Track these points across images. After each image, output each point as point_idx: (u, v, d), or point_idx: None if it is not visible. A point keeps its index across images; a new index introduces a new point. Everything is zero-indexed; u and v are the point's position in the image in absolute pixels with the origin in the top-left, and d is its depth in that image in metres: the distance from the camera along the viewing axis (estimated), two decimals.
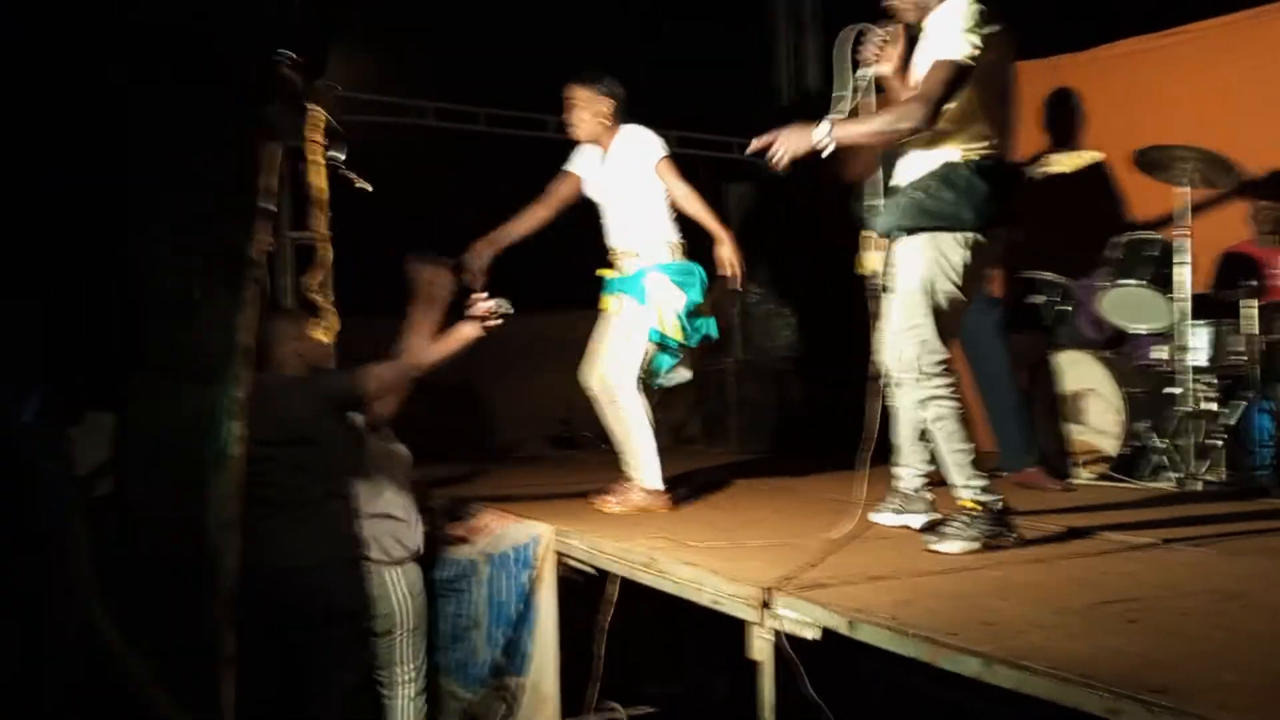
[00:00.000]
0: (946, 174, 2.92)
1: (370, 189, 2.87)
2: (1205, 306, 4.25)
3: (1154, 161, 4.26)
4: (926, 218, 2.92)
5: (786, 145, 2.83)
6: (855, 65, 3.03)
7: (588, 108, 3.93)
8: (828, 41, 6.92)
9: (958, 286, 2.94)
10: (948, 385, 2.95)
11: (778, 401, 6.30)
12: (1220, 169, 4.18)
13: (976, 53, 2.81)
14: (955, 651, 2.06)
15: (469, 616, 3.93)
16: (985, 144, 2.94)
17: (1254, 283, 4.21)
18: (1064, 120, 5.01)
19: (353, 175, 2.78)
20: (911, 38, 3.07)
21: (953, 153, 2.93)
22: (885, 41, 3.02)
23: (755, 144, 2.87)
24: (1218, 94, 4.76)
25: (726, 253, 3.84)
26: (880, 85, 3.08)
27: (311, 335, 3.31)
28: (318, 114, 2.50)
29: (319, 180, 2.65)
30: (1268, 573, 2.68)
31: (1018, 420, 4.27)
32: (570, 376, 6.42)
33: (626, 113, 4.02)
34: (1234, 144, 4.27)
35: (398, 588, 3.72)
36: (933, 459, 3.16)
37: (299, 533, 3.32)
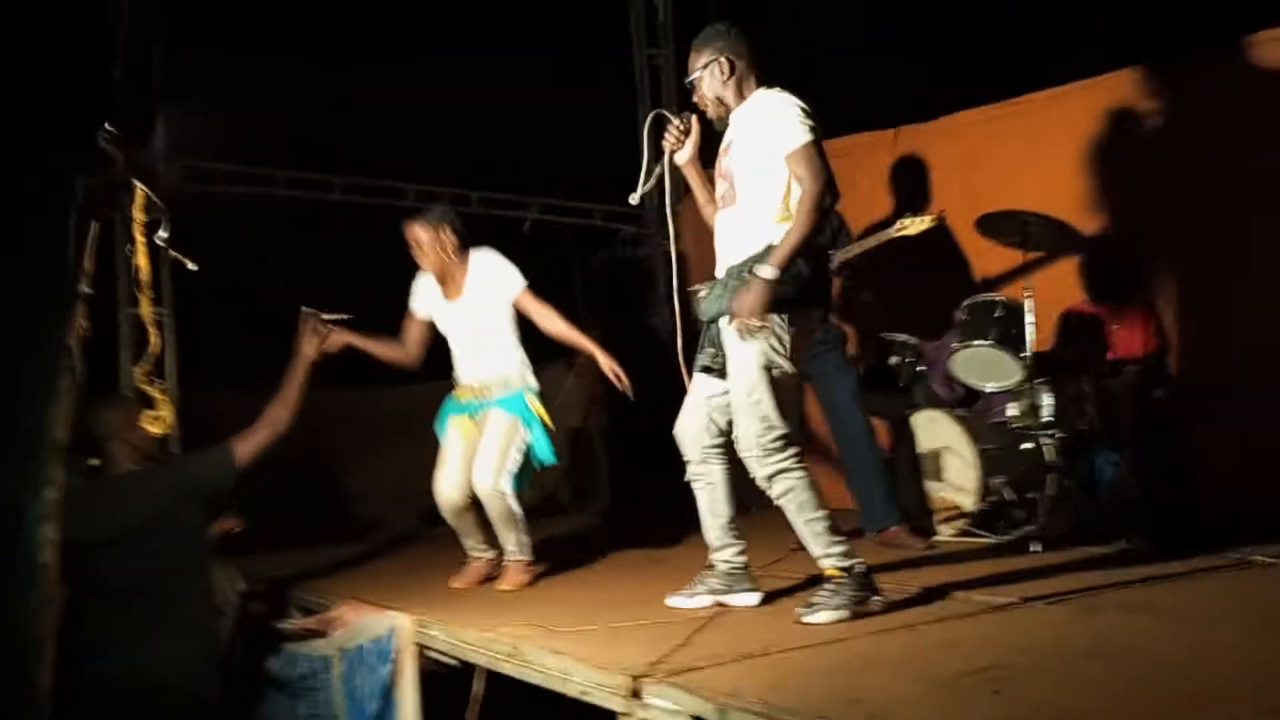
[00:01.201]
0: (768, 257, 2.95)
1: (196, 268, 2.69)
2: (1049, 363, 4.41)
3: (995, 225, 4.43)
4: None
5: (751, 312, 2.87)
6: (657, 151, 3.17)
7: (433, 244, 3.93)
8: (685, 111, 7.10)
9: (790, 361, 3.01)
10: (792, 458, 2.98)
11: (649, 466, 6.24)
12: (1055, 231, 4.38)
13: (816, 131, 2.95)
14: None
15: (323, 717, 3.69)
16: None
17: (1090, 339, 4.40)
18: (907, 187, 5.20)
19: (178, 254, 2.61)
20: (715, 130, 3.21)
21: (773, 236, 2.99)
22: (682, 130, 3.15)
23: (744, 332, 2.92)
24: (1049, 161, 5.02)
25: (607, 363, 3.89)
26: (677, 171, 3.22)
27: (141, 425, 3.10)
28: (138, 190, 2.33)
29: (142, 260, 2.46)
30: (1123, 630, 2.73)
31: (879, 481, 4.36)
32: (435, 448, 6.24)
33: (470, 238, 4.06)
34: (1065, 208, 4.50)
35: None
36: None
37: (155, 638, 3.12)
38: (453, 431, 4.06)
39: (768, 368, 2.96)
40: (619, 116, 7.02)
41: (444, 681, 3.34)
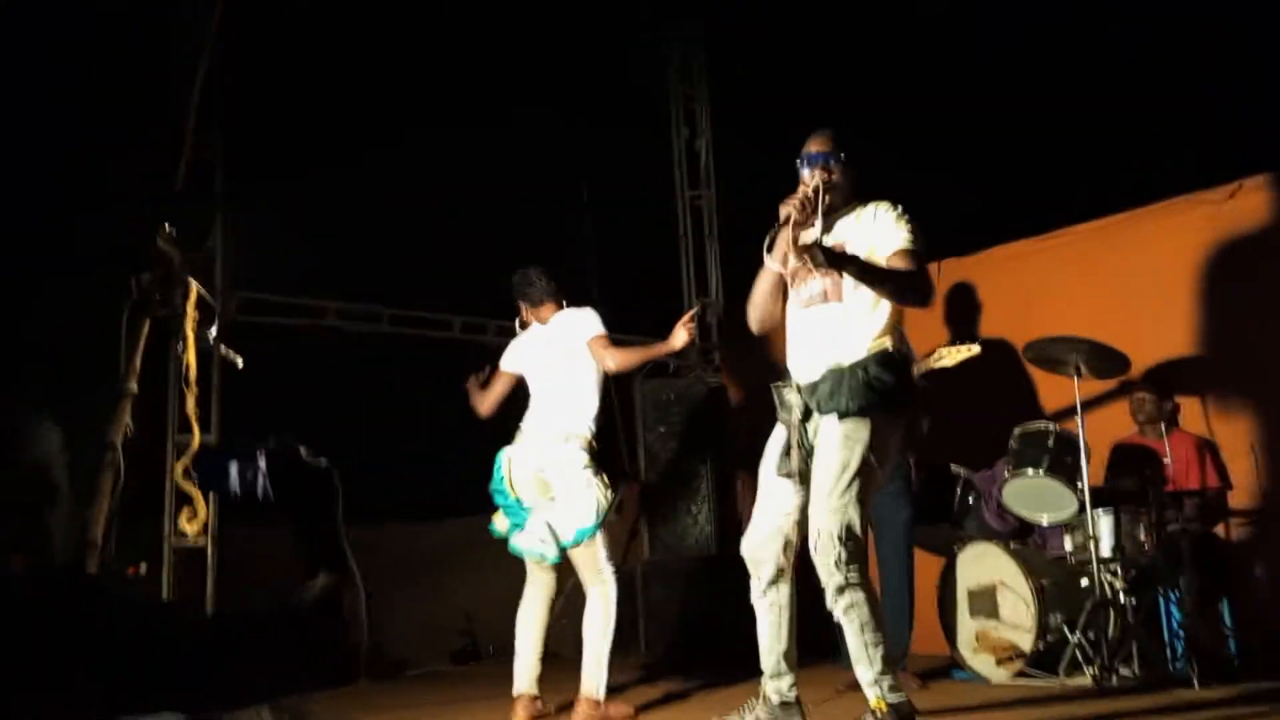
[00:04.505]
0: (886, 358, 2.93)
1: (241, 364, 2.70)
2: (1104, 496, 4.27)
3: (1044, 354, 4.38)
4: (875, 397, 2.88)
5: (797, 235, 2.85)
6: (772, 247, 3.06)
7: None
8: (724, 249, 7.24)
9: (884, 468, 2.92)
10: (863, 570, 2.85)
11: (688, 604, 6.05)
12: (1108, 360, 4.31)
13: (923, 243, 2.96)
14: None
15: None
16: (900, 334, 3.04)
17: (1146, 473, 4.27)
18: (952, 319, 5.20)
19: (225, 350, 2.62)
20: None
21: (886, 339, 2.97)
22: (811, 195, 2.99)
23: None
24: (1095, 291, 5.01)
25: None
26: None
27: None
28: (192, 287, 2.37)
29: (189, 357, 2.48)
30: None
31: (906, 620, 4.24)
32: (471, 584, 6.10)
33: None
34: (1114, 338, 4.44)
35: None
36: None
37: None
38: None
39: (865, 470, 2.84)
40: (663, 251, 7.19)
41: None
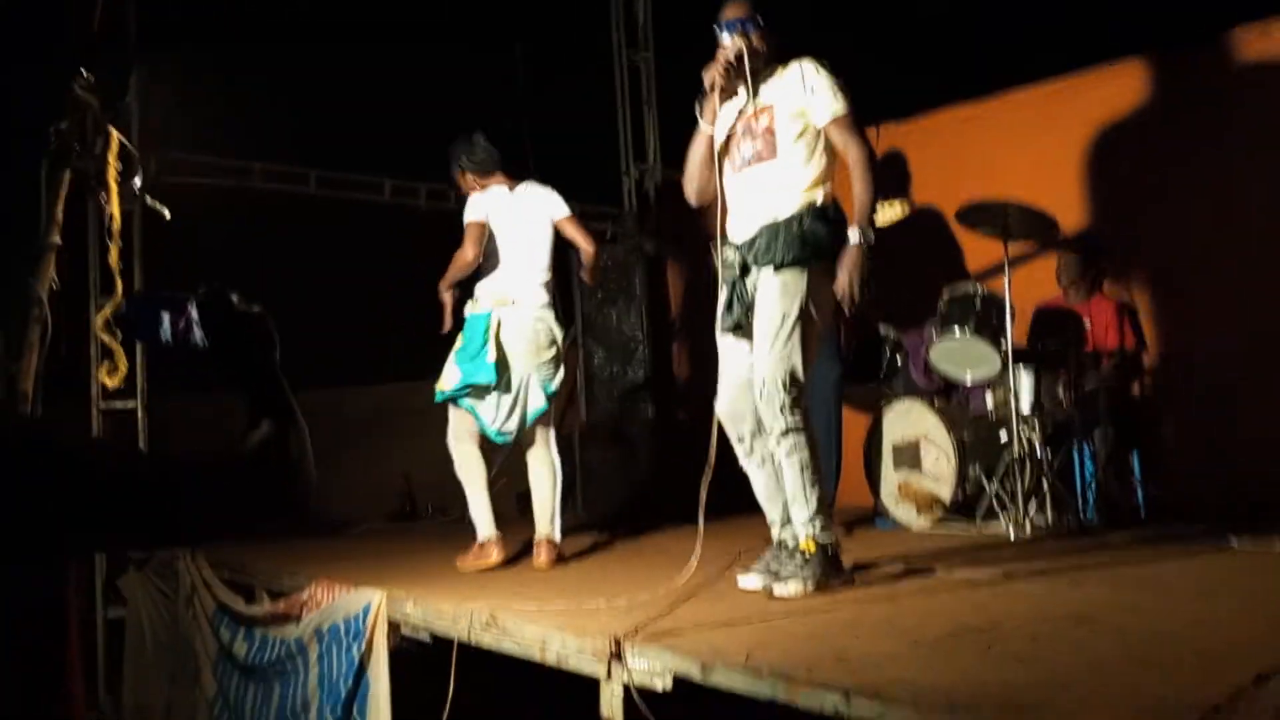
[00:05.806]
0: (821, 210, 3.02)
1: (168, 215, 2.63)
2: (1026, 355, 4.42)
3: (975, 217, 4.44)
4: (808, 249, 2.97)
5: (859, 278, 2.92)
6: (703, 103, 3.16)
7: None
8: (663, 117, 7.11)
9: (822, 319, 3.02)
10: (805, 414, 2.95)
11: (625, 465, 6.19)
12: (1037, 222, 4.38)
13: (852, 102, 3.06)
14: (813, 688, 1.97)
15: (298, 699, 3.60)
16: (831, 188, 3.10)
17: (1068, 334, 4.43)
18: (888, 182, 5.20)
19: (150, 200, 2.55)
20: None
21: (819, 192, 3.05)
22: (734, 61, 3.07)
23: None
24: (1028, 157, 5.05)
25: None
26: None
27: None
28: (113, 136, 2.27)
29: (113, 208, 2.40)
30: (1110, 599, 2.72)
31: (833, 474, 4.37)
32: (405, 447, 6.17)
33: None
34: (1044, 203, 4.51)
35: None
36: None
37: None
38: None
39: (804, 318, 2.93)
40: (600, 116, 7.06)
41: (415, 662, 3.27)
